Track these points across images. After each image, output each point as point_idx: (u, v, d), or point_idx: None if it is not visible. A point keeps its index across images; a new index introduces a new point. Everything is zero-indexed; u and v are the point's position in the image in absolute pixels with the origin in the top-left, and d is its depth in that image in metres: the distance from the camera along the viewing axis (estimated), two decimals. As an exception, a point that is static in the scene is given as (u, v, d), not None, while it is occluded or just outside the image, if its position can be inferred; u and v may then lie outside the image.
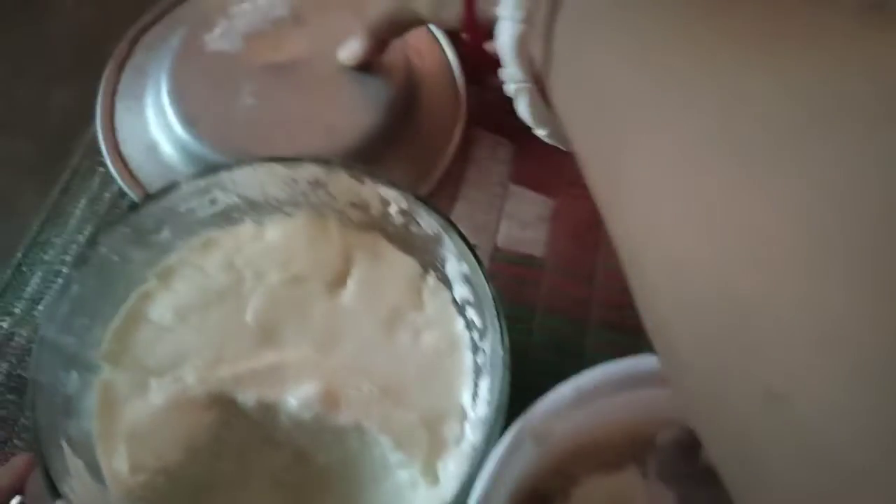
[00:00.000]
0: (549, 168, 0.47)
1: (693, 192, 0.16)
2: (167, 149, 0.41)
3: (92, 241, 0.30)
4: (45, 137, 0.48)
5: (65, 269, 0.40)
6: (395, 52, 0.43)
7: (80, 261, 0.29)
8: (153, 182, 0.41)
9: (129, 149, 0.42)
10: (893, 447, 0.12)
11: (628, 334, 0.42)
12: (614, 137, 0.19)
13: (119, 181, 0.41)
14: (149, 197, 0.31)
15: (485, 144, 0.47)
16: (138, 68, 0.44)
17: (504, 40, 0.25)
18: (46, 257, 0.40)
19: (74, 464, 0.27)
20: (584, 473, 0.33)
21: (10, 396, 0.36)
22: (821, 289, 0.13)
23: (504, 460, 0.27)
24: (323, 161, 0.32)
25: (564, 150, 0.28)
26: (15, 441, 0.35)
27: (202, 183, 0.32)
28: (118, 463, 0.28)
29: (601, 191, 0.21)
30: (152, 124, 0.42)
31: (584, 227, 0.45)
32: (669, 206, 0.17)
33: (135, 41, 0.46)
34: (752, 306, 0.14)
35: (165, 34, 0.45)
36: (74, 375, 0.29)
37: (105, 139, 0.42)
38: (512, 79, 0.26)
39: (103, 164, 0.42)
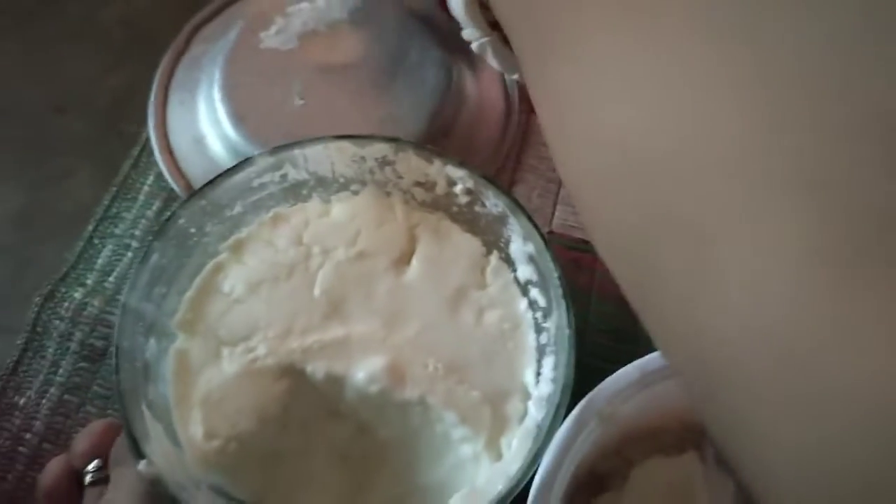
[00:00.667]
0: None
1: (617, 62, 0.17)
2: (214, 144, 0.41)
3: (172, 213, 0.31)
4: (98, 119, 0.50)
5: (134, 243, 0.41)
6: (447, 61, 0.43)
7: (161, 231, 0.30)
8: (197, 175, 0.41)
9: (178, 139, 0.42)
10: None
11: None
12: (545, 27, 0.20)
13: (164, 171, 0.41)
14: (225, 172, 0.32)
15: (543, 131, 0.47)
16: (194, 61, 0.45)
17: (455, 6, 0.27)
18: (117, 231, 0.41)
19: (154, 428, 0.28)
20: (642, 456, 0.33)
21: (83, 364, 0.38)
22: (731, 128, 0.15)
23: (570, 439, 0.27)
24: (392, 139, 0.33)
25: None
26: (88, 407, 0.37)
27: (275, 158, 0.33)
28: (193, 428, 0.29)
29: (539, 95, 0.21)
30: (202, 118, 0.42)
31: (639, 214, 0.45)
32: (597, 80, 0.18)
33: (193, 33, 0.46)
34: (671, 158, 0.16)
35: (224, 28, 0.45)
36: (153, 342, 0.30)
37: (155, 128, 0.42)
38: (472, 37, 0.28)
39: (169, 142, 0.43)
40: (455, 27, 0.46)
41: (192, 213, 0.31)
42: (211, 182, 0.32)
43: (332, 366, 0.30)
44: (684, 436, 0.33)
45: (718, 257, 0.15)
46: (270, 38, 0.43)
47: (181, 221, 0.31)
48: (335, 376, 0.30)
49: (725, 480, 0.32)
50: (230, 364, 0.31)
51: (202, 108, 0.42)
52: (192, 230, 0.32)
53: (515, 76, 0.29)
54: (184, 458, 0.29)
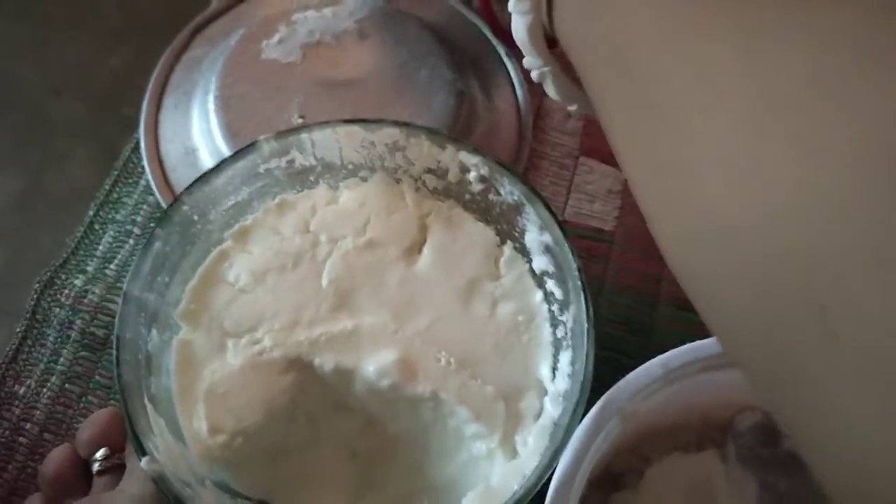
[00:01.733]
0: (619, 140, 0.46)
1: (740, 157, 0.16)
2: (205, 157, 0.39)
3: (175, 200, 0.29)
4: (96, 101, 0.49)
5: (136, 230, 0.40)
6: (458, 83, 0.41)
7: (164, 218, 0.29)
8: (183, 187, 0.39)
9: (168, 147, 0.40)
10: None
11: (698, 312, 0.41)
12: (650, 115, 0.20)
13: (151, 181, 0.39)
14: (231, 156, 0.31)
15: (555, 116, 0.45)
16: (194, 62, 0.42)
17: (518, 33, 0.26)
18: (118, 216, 0.40)
19: (157, 423, 0.27)
20: (659, 454, 0.32)
21: (84, 353, 0.37)
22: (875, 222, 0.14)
23: (589, 437, 0.26)
24: (404, 124, 0.32)
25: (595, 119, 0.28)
26: (89, 397, 0.36)
27: (280, 144, 0.31)
28: (197, 423, 0.28)
29: (636, 163, 0.21)
30: (195, 127, 0.40)
31: (654, 203, 0.44)
32: (716, 171, 0.17)
33: (195, 33, 0.44)
34: (807, 256, 0.15)
35: (227, 31, 0.43)
36: (155, 333, 0.29)
37: (146, 133, 0.40)
38: (532, 66, 0.27)
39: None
40: (468, 42, 0.44)
41: (196, 199, 0.30)
42: (216, 168, 0.30)
43: (340, 359, 0.29)
44: (704, 432, 0.32)
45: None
46: (272, 48, 0.41)
47: (185, 208, 0.30)
48: (344, 370, 0.29)
49: (748, 479, 0.31)
50: (235, 356, 0.30)
51: (196, 115, 0.40)
52: (196, 217, 0.31)
53: (573, 107, 0.28)
54: (187, 454, 0.28)
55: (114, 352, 0.26)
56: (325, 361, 0.29)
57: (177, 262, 0.30)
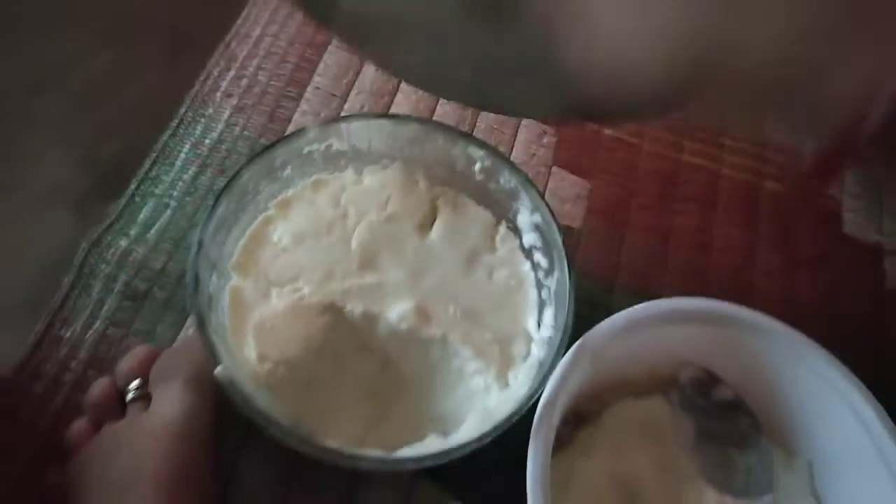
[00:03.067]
0: (586, 155, 0.54)
1: None
2: None
3: (237, 172, 0.36)
4: (73, 101, 0.50)
5: (172, 203, 0.45)
6: None
7: (228, 186, 0.35)
8: None
9: None
10: None
11: (647, 296, 0.49)
12: None
13: None
14: (283, 138, 0.37)
15: (532, 131, 0.53)
16: None
17: None
18: (157, 191, 0.46)
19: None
20: (615, 399, 0.39)
21: (126, 303, 0.42)
22: None
23: (569, 369, 0.33)
24: (425, 121, 0.39)
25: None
26: (130, 339, 0.41)
27: (324, 130, 0.38)
28: (248, 352, 0.34)
29: None
30: None
31: (614, 206, 0.52)
32: None
33: None
34: None
35: None
36: (214, 278, 0.35)
37: None
38: None
39: (204, 116, 0.48)
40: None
41: (253, 172, 0.36)
42: (271, 146, 0.37)
43: (368, 305, 0.36)
44: (653, 382, 0.40)
45: None
46: None
47: (243, 179, 0.36)
48: (370, 314, 0.36)
49: (687, 422, 0.38)
50: (279, 300, 0.36)
51: None
52: (250, 186, 0.37)
53: None
54: (241, 376, 0.34)
55: (189, 284, 0.32)
56: (356, 307, 0.36)
57: (231, 223, 0.37)
